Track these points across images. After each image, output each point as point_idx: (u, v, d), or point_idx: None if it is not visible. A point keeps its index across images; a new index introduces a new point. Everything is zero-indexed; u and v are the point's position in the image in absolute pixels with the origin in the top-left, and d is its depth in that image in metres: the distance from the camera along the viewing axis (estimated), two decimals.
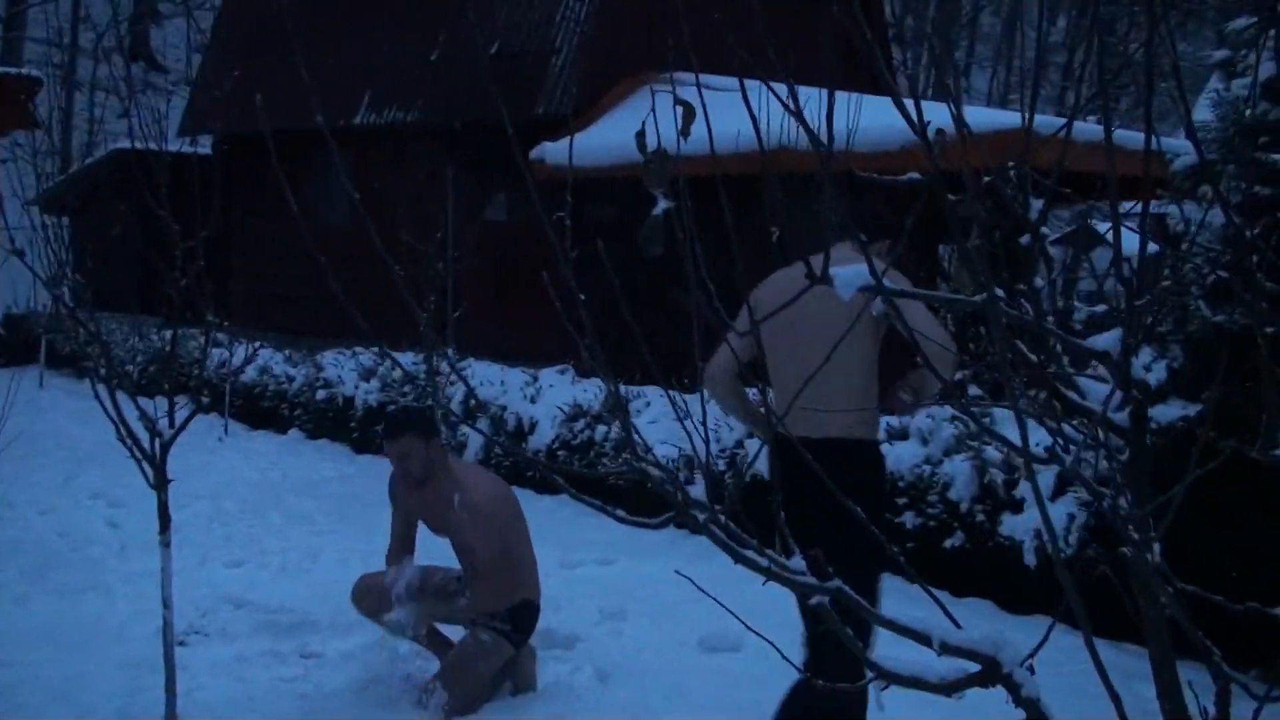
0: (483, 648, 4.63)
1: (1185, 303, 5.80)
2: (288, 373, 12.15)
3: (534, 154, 12.05)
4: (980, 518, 6.47)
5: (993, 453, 6.51)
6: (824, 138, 1.88)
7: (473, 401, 9.96)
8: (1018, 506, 6.35)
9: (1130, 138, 10.78)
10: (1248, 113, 5.39)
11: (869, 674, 1.88)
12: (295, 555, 6.91)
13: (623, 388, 9.13)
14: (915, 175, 2.26)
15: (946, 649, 1.77)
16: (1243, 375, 5.36)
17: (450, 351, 10.56)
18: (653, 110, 2.08)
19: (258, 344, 11.88)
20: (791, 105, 1.87)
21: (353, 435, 11.08)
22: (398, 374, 10.95)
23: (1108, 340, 1.76)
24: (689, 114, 2.07)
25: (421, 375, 10.76)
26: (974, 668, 1.82)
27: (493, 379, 10.09)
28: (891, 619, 1.82)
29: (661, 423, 8.47)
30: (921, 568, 6.67)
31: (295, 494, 8.77)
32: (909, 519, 6.75)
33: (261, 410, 12.18)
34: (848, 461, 3.73)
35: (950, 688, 1.82)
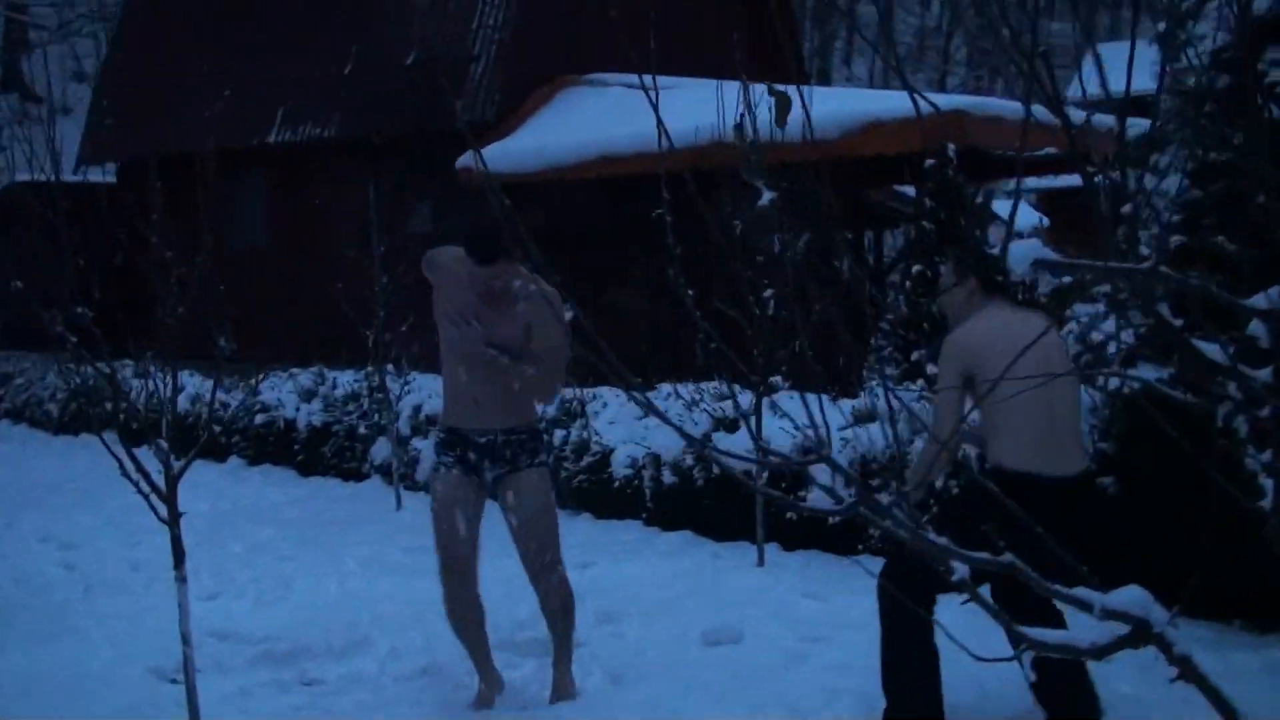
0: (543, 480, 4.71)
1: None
2: (222, 399, 11.89)
3: (460, 162, 11.97)
4: (956, 493, 6.55)
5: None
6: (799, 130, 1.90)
7: (421, 416, 9.87)
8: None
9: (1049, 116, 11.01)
10: (1191, 81, 5.53)
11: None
12: (268, 584, 6.78)
13: (575, 389, 9.10)
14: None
15: (1107, 614, 1.78)
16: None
17: (392, 366, 10.43)
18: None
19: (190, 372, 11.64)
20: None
21: (297, 459, 10.89)
22: (340, 392, 10.78)
23: (1268, 298, 1.79)
24: (785, 104, 2.06)
25: (364, 394, 10.62)
26: (1121, 630, 1.85)
27: (440, 391, 9.96)
28: (1056, 587, 1.83)
29: (620, 423, 8.46)
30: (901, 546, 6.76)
31: (251, 522, 8.60)
32: (883, 499, 6.82)
33: (196, 440, 11.88)
34: (1086, 493, 4.16)
35: (1102, 651, 1.84)
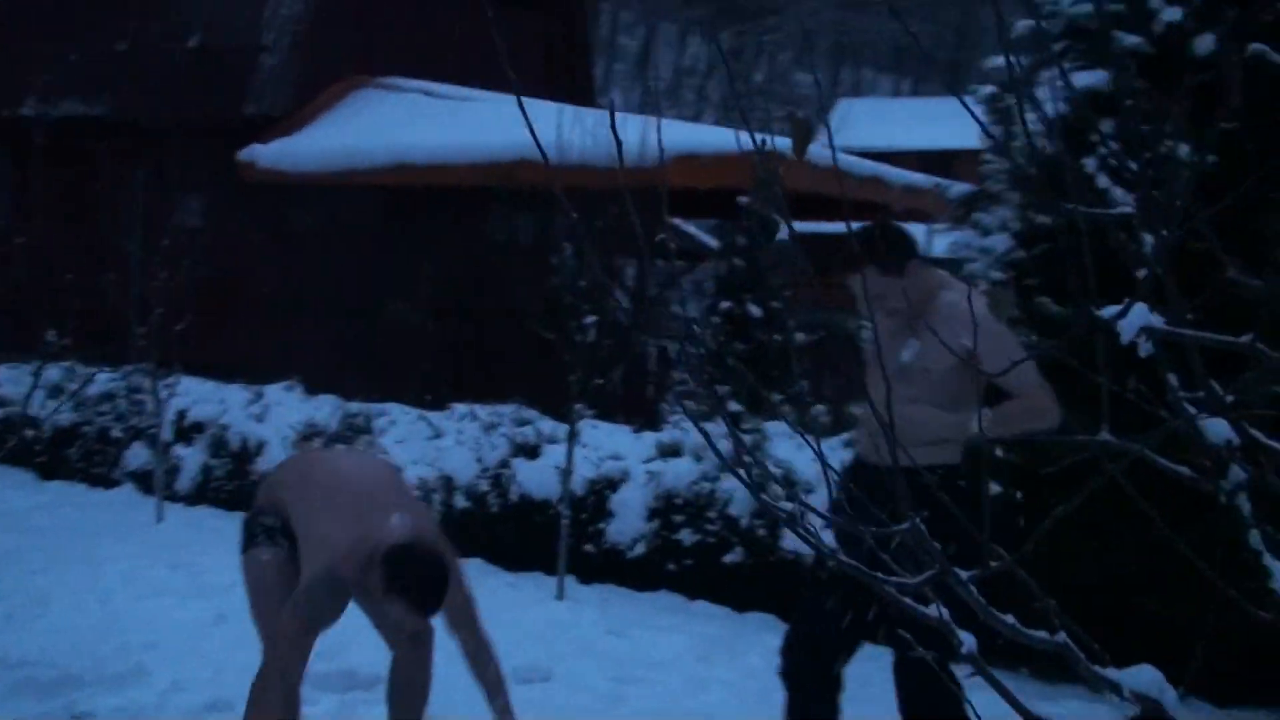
0: None
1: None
2: None
3: (242, 156, 11.34)
4: (761, 532, 6.52)
5: (773, 469, 6.58)
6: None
7: (187, 420, 9.21)
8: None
9: (859, 164, 11.21)
10: (1039, 145, 5.67)
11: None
12: (20, 600, 6.11)
13: (362, 405, 8.68)
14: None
15: (1133, 695, 1.67)
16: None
17: (156, 367, 9.71)
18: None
19: None
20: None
21: (38, 460, 9.99)
22: (93, 391, 9.96)
23: None
24: (805, 133, 1.88)
25: (122, 392, 9.86)
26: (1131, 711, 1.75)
27: (209, 396, 9.37)
28: (1087, 664, 1.71)
29: (410, 442, 8.09)
30: (701, 584, 6.68)
31: None
32: (686, 536, 6.74)
33: None
34: None
35: None
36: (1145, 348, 1.64)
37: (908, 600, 1.87)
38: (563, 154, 6.94)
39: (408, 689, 4.00)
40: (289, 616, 3.60)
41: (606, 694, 5.09)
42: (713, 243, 18.02)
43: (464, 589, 3.62)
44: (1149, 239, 1.99)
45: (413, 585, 3.33)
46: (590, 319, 6.35)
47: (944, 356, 3.51)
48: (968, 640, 1.86)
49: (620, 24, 52.50)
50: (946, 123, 38.01)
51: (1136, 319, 1.63)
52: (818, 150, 10.10)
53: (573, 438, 6.45)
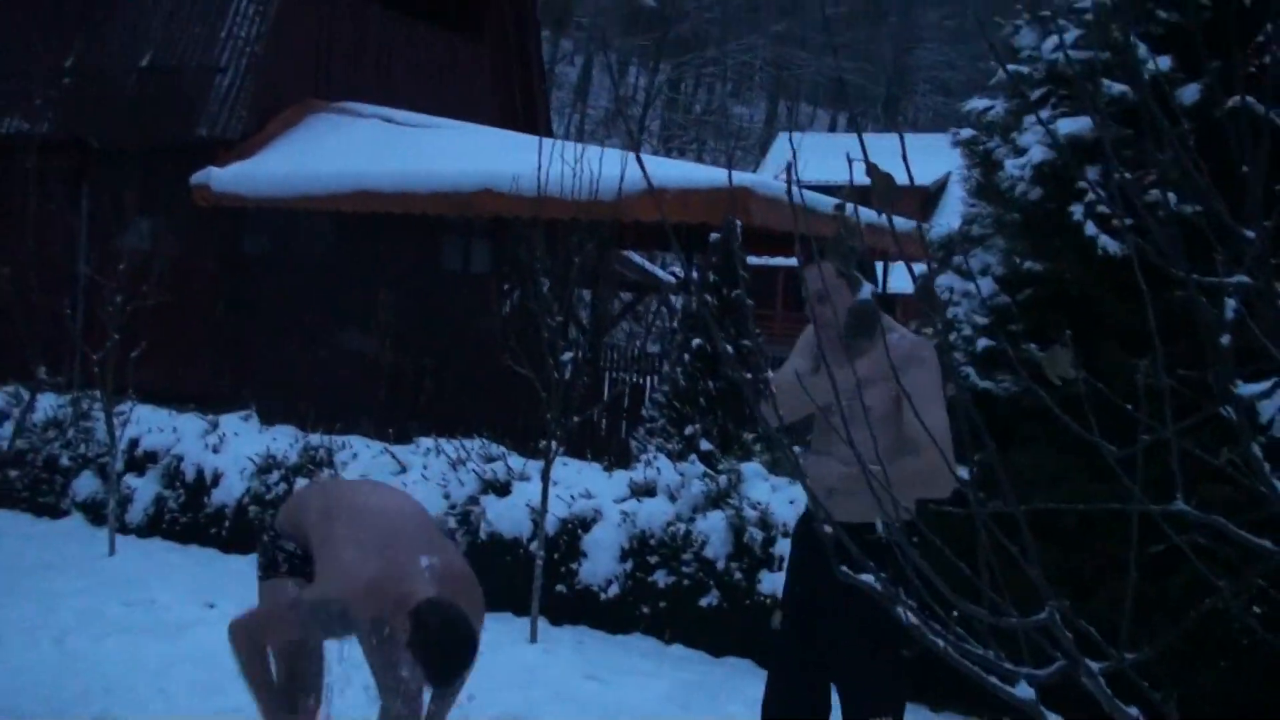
0: None
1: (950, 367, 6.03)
2: None
3: (197, 179, 11.11)
4: (737, 576, 6.44)
5: (750, 511, 6.51)
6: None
7: (140, 451, 8.97)
8: (776, 564, 6.37)
9: (826, 202, 11.17)
10: (1018, 190, 5.68)
11: None
12: None
13: (323, 437, 8.50)
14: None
15: None
16: (1011, 439, 5.63)
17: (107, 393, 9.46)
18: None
19: None
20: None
21: None
22: (39, 417, 9.67)
23: None
24: (887, 185, 1.82)
25: (69, 420, 9.59)
26: None
27: (162, 424, 9.13)
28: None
29: (373, 476, 7.91)
30: (676, 627, 6.58)
31: None
32: (660, 577, 6.64)
33: None
34: None
35: None
36: None
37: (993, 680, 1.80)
38: (541, 186, 6.84)
39: None
40: (287, 610, 3.48)
41: None
42: (666, 276, 18.00)
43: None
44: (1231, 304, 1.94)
45: (437, 652, 3.21)
46: (567, 355, 6.25)
47: (882, 399, 3.42)
48: (1025, 690, 1.79)
49: (560, 52, 52.56)
50: (887, 160, 38.50)
51: None
52: (777, 185, 10.10)
53: (548, 476, 6.33)
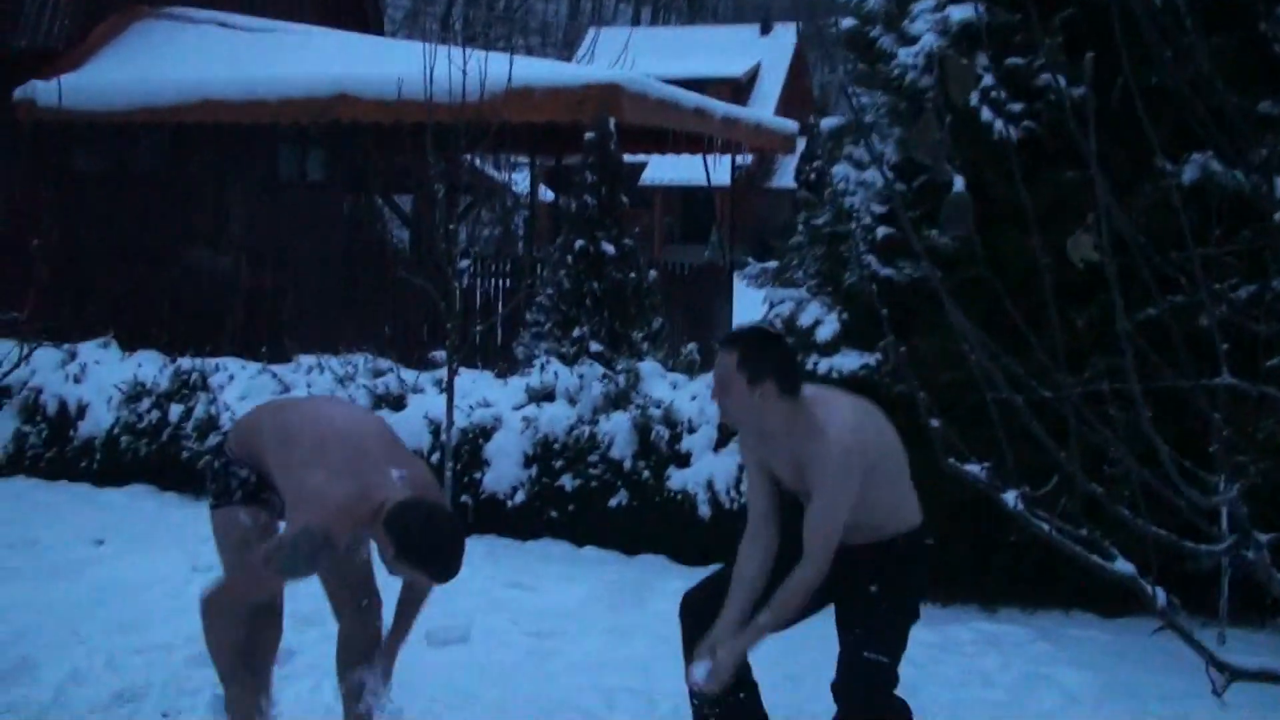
0: None
1: (845, 257, 6.14)
2: None
3: (19, 94, 10.40)
4: (645, 474, 6.50)
5: (654, 410, 6.55)
6: None
7: None
8: (684, 460, 6.45)
9: (689, 97, 11.14)
10: (908, 78, 5.75)
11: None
12: None
13: (194, 360, 8.20)
14: None
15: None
16: (912, 326, 5.78)
17: None
18: None
19: None
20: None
21: None
22: None
23: None
24: (966, 75, 1.78)
25: None
26: None
27: (6, 357, 8.63)
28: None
29: (255, 398, 7.67)
30: (588, 529, 6.62)
31: None
32: (567, 481, 6.65)
33: None
34: None
35: None
36: None
37: (1095, 558, 1.86)
38: (400, 89, 6.62)
39: (359, 657, 3.82)
40: (263, 561, 3.37)
41: (532, 650, 4.99)
42: (503, 178, 17.70)
43: None
44: None
45: (430, 548, 3.18)
46: (464, 262, 6.15)
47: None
48: (1160, 595, 1.87)
49: None
50: (696, 52, 38.45)
51: None
52: (646, 81, 10.01)
53: (452, 386, 6.24)
